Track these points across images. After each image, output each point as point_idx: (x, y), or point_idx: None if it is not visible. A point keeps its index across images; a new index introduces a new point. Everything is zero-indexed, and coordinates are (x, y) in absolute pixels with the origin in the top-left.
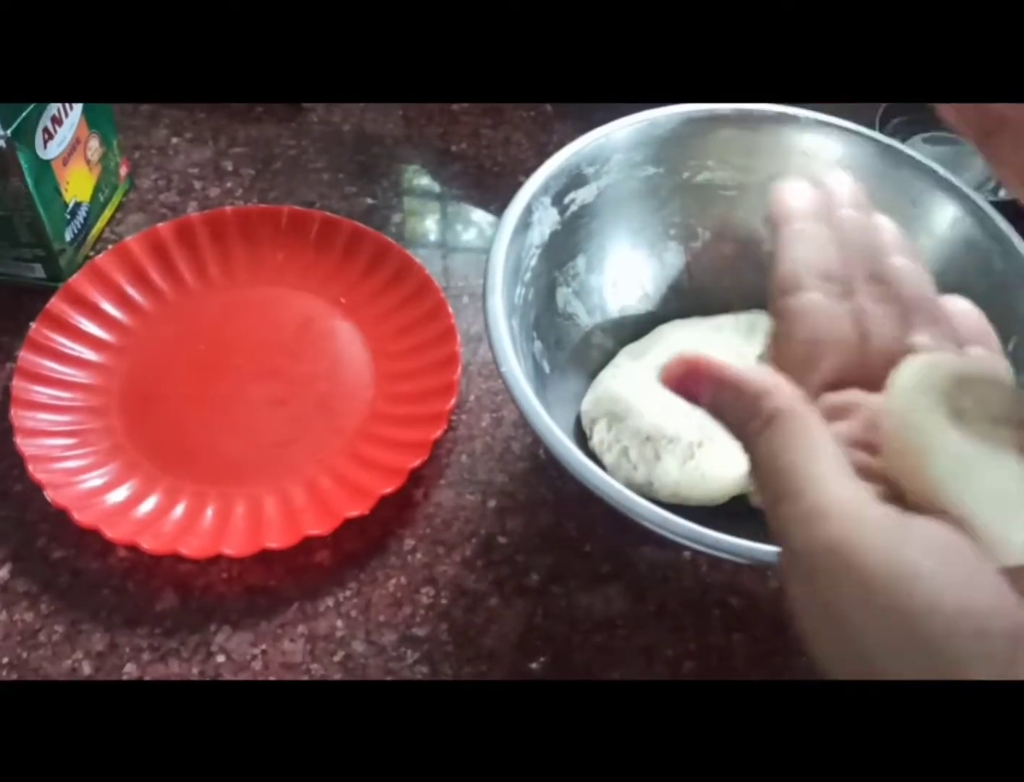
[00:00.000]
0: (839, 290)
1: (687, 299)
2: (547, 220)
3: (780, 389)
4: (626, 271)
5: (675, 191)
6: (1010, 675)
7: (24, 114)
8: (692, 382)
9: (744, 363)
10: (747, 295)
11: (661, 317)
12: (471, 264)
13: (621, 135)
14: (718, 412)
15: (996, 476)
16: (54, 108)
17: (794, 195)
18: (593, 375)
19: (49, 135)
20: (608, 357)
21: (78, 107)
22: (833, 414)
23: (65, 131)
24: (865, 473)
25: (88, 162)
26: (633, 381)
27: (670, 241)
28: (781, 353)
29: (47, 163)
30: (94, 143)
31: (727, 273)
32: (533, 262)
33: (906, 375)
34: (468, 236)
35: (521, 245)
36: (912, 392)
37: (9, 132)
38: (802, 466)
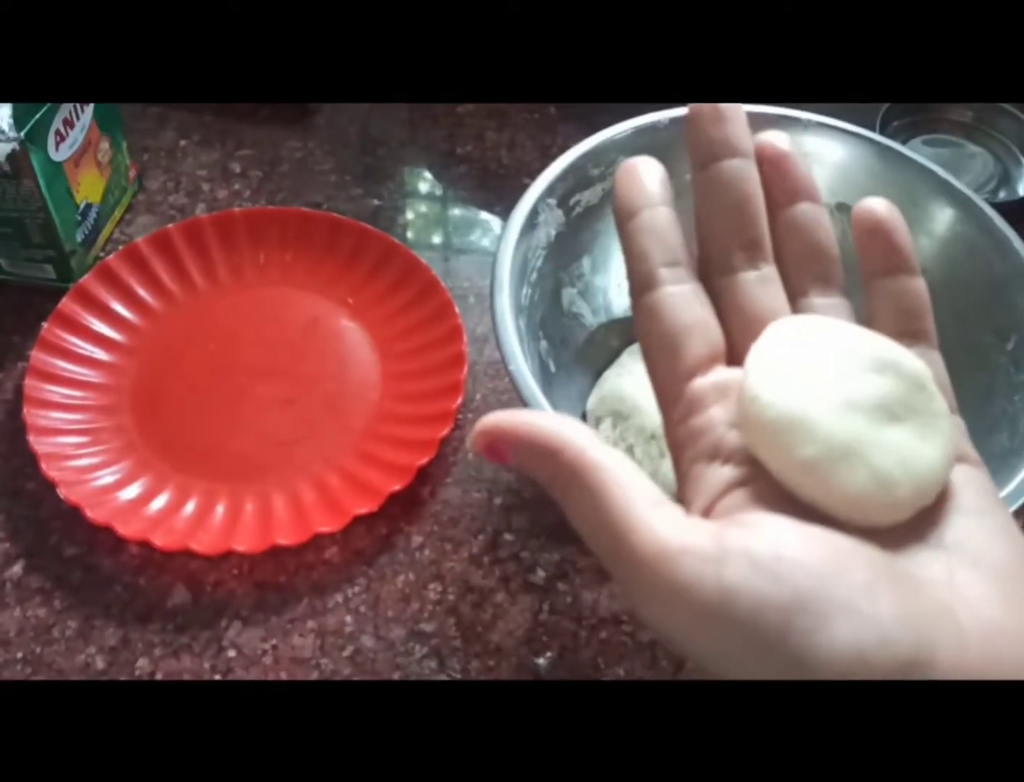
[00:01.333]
0: (697, 265)
1: None
2: (553, 221)
3: (570, 442)
4: None
5: (678, 192)
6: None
7: (37, 117)
8: (497, 449)
9: (552, 412)
10: None
11: None
12: (476, 265)
13: (624, 137)
14: (529, 473)
15: (858, 468)
16: (66, 111)
17: (634, 181)
18: (598, 374)
19: (61, 137)
20: (613, 356)
21: (89, 110)
22: (705, 399)
23: (77, 133)
24: (737, 456)
25: (99, 164)
26: (637, 380)
27: None
28: (646, 352)
29: (59, 165)
30: (104, 145)
31: None
32: (539, 263)
33: (757, 347)
34: (473, 237)
35: (527, 246)
36: (759, 364)
37: (22, 134)
38: (608, 523)
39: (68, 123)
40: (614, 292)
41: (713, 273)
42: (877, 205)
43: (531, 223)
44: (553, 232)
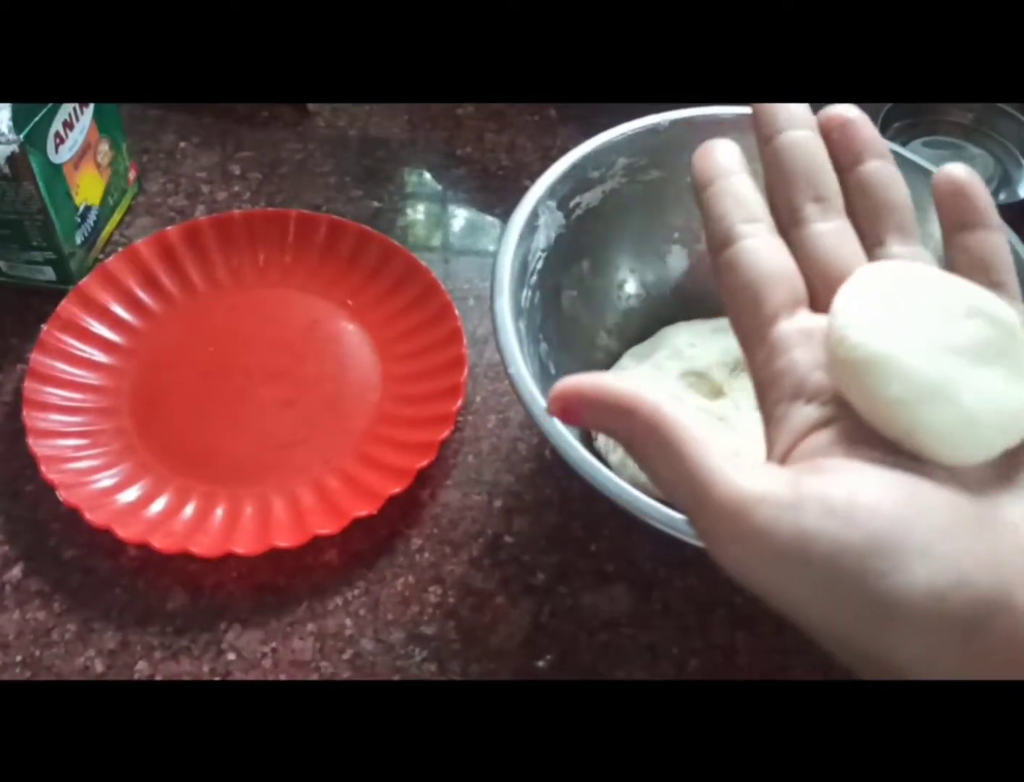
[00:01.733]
0: (775, 226)
1: (690, 301)
2: (553, 224)
3: (644, 400)
4: (630, 274)
5: (678, 194)
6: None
7: (36, 119)
8: (573, 410)
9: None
10: None
11: (665, 319)
12: (476, 267)
13: (625, 139)
14: (608, 434)
15: (945, 406)
16: (65, 113)
17: (710, 156)
18: None
19: (61, 139)
20: (613, 359)
21: (89, 112)
22: (790, 342)
23: (76, 135)
24: (822, 397)
25: (98, 166)
26: (637, 382)
27: (673, 244)
28: (729, 305)
29: (58, 167)
30: (104, 147)
31: None
32: (539, 265)
33: (844, 290)
34: (473, 239)
35: (527, 248)
36: (847, 306)
37: (22, 136)
38: (687, 475)
39: (68, 125)
40: (614, 294)
41: (788, 228)
42: (956, 170)
43: (531, 226)
44: (553, 235)
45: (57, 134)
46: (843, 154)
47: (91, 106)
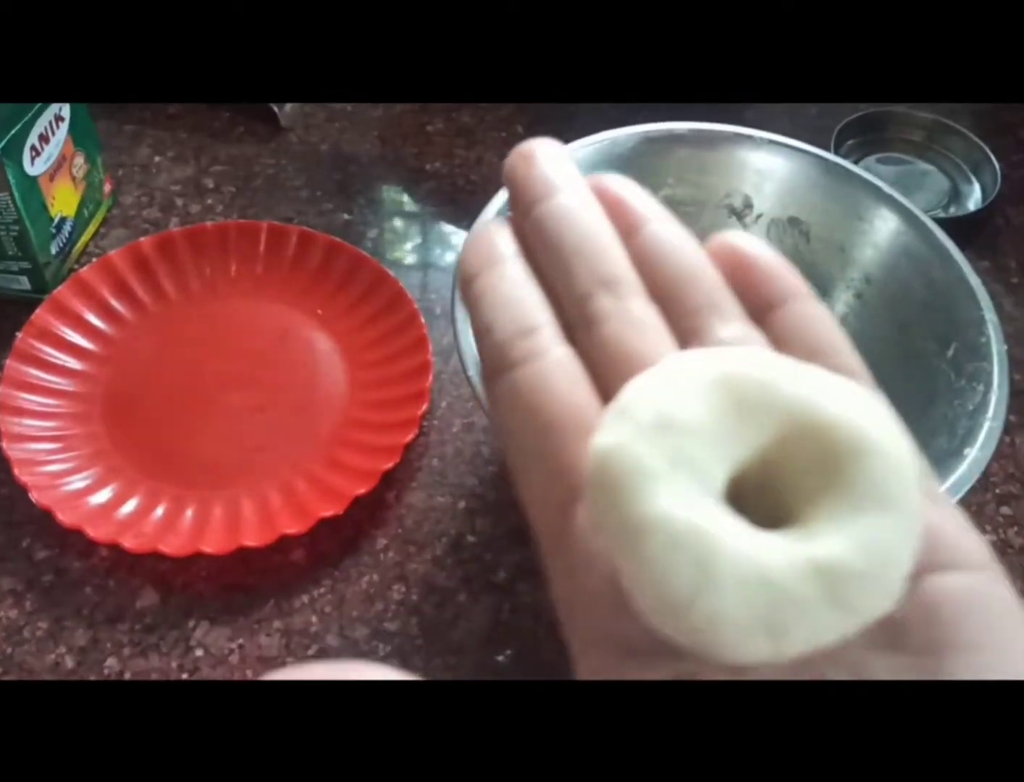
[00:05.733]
0: (559, 329)
1: None
2: None
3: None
4: None
5: None
6: None
7: (13, 132)
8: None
9: None
10: None
11: None
12: (444, 278)
13: (584, 154)
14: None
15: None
16: (41, 126)
17: (476, 245)
18: None
19: (36, 152)
20: None
21: (64, 126)
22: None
23: (52, 148)
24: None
25: (73, 179)
26: None
27: None
28: (516, 474)
29: (34, 179)
30: (79, 160)
31: None
32: None
33: (616, 404)
34: (441, 251)
35: None
36: (614, 426)
37: None
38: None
39: (43, 138)
40: None
41: (577, 329)
42: (733, 238)
43: None
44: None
45: (33, 147)
46: (623, 222)
47: (66, 120)
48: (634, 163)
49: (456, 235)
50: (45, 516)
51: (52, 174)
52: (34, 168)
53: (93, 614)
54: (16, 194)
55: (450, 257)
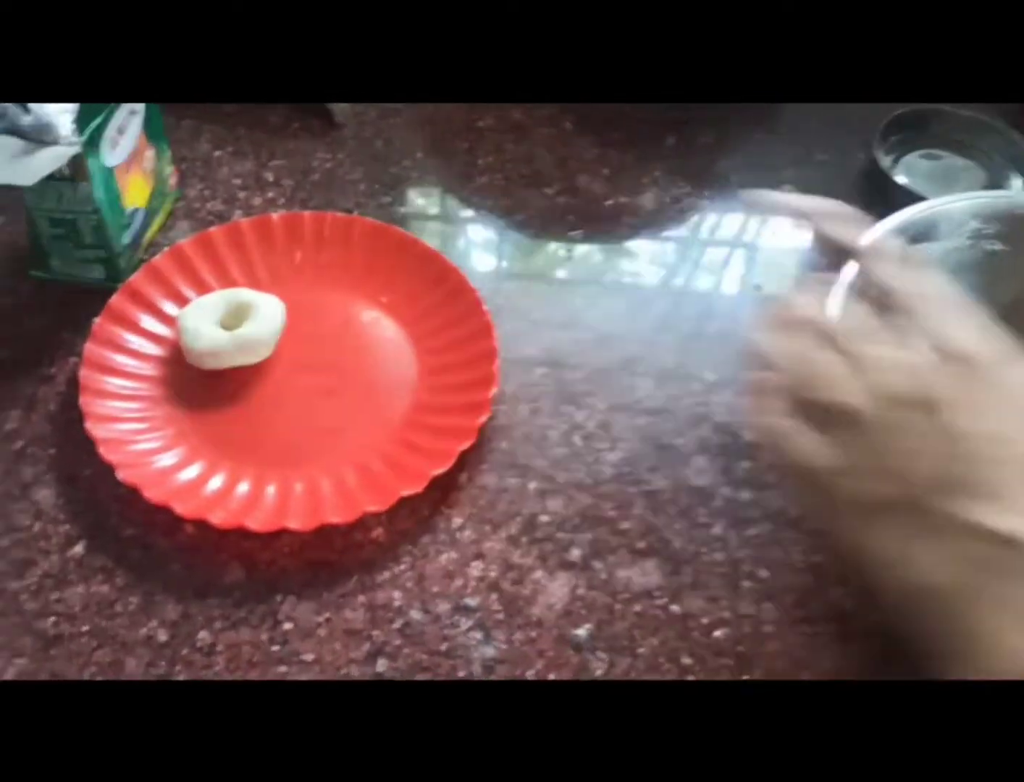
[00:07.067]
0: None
1: None
2: None
3: None
4: None
5: (1013, 271)
6: None
7: (95, 124)
8: None
9: None
10: None
11: None
12: (499, 268)
13: (984, 203)
14: None
15: None
16: (119, 119)
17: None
18: None
19: (114, 144)
20: None
21: (139, 119)
22: None
23: (127, 141)
24: None
25: (144, 171)
26: None
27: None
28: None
29: (111, 170)
30: (150, 154)
31: None
32: None
33: None
34: (496, 243)
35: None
36: None
37: (83, 139)
38: None
39: (120, 131)
40: None
41: None
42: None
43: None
44: None
45: (112, 139)
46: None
47: (140, 115)
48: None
49: (510, 225)
50: (130, 495)
51: (127, 166)
52: (112, 159)
53: (182, 589)
54: (96, 184)
55: (506, 248)
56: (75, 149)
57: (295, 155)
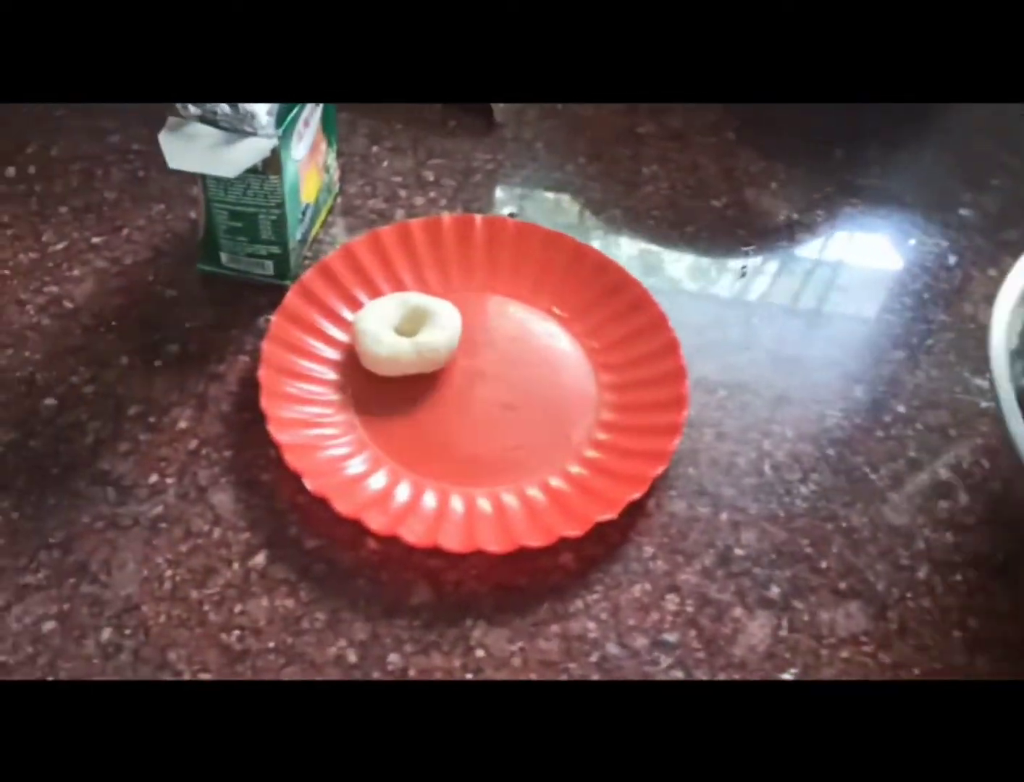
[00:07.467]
0: None
1: None
2: None
3: None
4: None
5: None
6: None
7: (292, 115)
8: None
9: None
10: None
11: None
12: (676, 282)
13: None
14: None
15: None
16: (306, 111)
17: None
18: None
19: (300, 137)
20: None
21: (319, 111)
22: None
23: (309, 135)
24: None
25: (318, 165)
26: None
27: None
28: None
29: (296, 164)
30: (323, 147)
31: None
32: None
33: None
34: (667, 254)
35: None
36: None
37: (280, 131)
38: None
39: (306, 123)
40: None
41: None
42: None
43: None
44: None
45: (299, 132)
46: None
47: (321, 106)
48: None
49: (681, 239)
50: (312, 503)
51: (307, 160)
52: (297, 153)
53: (369, 608)
54: (284, 178)
55: (677, 261)
56: (274, 141)
57: (454, 154)
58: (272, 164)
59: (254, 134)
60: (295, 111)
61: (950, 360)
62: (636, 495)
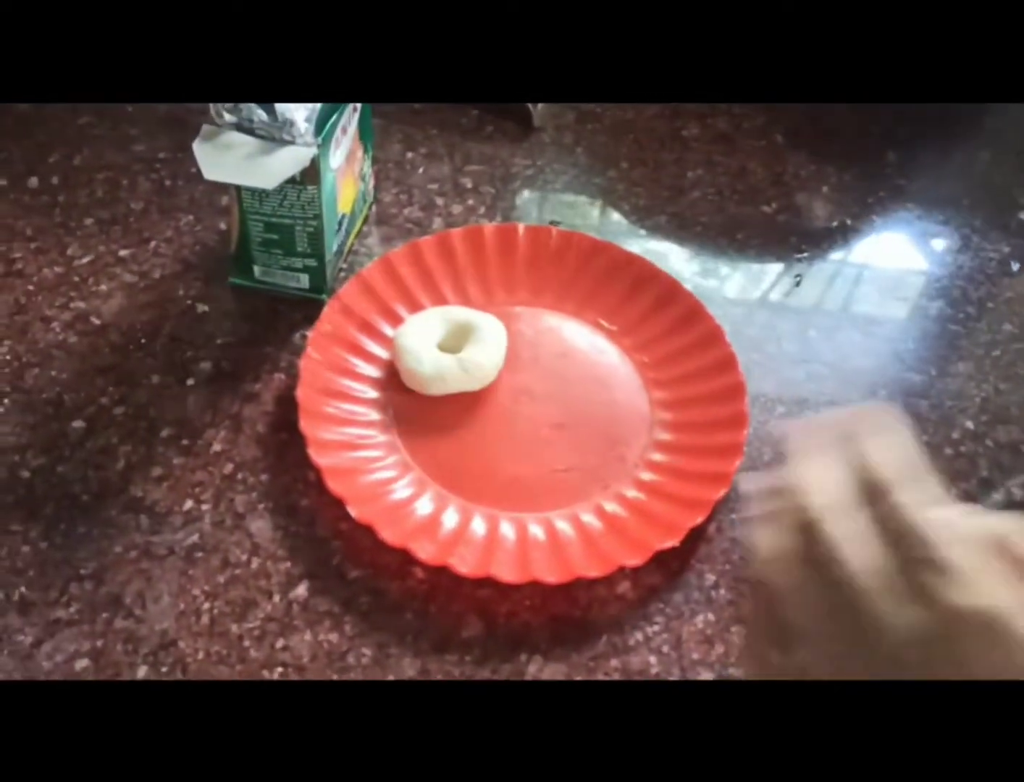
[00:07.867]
0: None
1: None
2: None
3: None
4: None
5: None
6: None
7: (331, 122)
8: None
9: None
10: None
11: None
12: (730, 294)
13: None
14: None
15: None
16: (344, 117)
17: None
18: None
19: (338, 144)
20: None
21: (356, 117)
22: None
23: (346, 142)
24: None
25: (354, 174)
26: None
27: None
28: None
29: (333, 173)
30: (359, 154)
31: None
32: None
33: None
34: (718, 263)
35: None
36: None
37: (320, 139)
38: None
39: (344, 130)
40: None
41: None
42: None
43: None
44: None
45: (337, 139)
46: None
47: (358, 112)
48: None
49: (732, 246)
50: (355, 530)
51: (344, 168)
52: (334, 161)
53: (418, 642)
54: (322, 187)
55: (725, 270)
56: (313, 150)
57: (492, 160)
58: (310, 174)
59: (292, 142)
60: (334, 117)
61: (1019, 372)
62: (698, 520)
